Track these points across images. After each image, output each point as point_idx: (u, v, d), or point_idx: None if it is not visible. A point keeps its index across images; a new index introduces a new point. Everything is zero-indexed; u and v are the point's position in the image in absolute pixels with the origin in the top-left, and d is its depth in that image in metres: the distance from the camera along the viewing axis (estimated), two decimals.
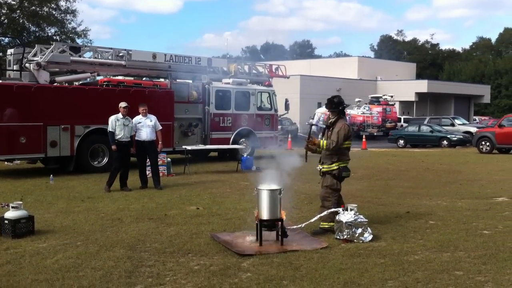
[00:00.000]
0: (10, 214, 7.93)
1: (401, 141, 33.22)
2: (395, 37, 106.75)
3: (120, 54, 18.28)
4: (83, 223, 8.95)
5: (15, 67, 16.99)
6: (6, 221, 7.89)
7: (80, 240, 7.74)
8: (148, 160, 13.66)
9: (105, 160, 16.57)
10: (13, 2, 43.93)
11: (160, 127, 13.66)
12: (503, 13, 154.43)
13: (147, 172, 13.66)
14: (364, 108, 44.76)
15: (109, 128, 12.94)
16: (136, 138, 13.27)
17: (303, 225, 8.11)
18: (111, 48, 18.40)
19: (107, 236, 8.03)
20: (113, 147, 12.95)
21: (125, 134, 12.92)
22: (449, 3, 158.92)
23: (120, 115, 12.96)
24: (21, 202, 8.34)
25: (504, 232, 8.38)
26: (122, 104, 13.08)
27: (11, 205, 8.13)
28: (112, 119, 12.94)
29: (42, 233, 8.14)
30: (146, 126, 13.27)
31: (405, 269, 6.33)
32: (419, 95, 55.66)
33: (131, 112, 13.42)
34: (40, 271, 6.24)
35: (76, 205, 10.76)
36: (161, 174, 14.90)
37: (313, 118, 44.39)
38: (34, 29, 46.24)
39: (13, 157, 16.10)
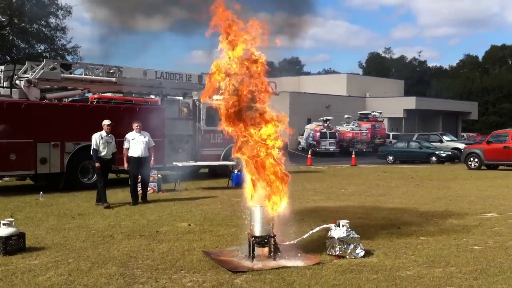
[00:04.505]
0: (1, 231, 7.88)
1: (390, 157, 33.37)
2: (383, 55, 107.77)
3: (111, 71, 18.30)
4: (74, 240, 8.91)
5: (5, 84, 16.94)
6: None
7: (71, 257, 7.70)
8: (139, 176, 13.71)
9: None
10: (2, 19, 43.92)
11: (153, 144, 13.78)
12: (487, 31, 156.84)
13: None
14: (353, 125, 45.06)
15: (93, 146, 12.98)
16: (129, 154, 13.31)
17: (295, 241, 8.13)
18: (102, 65, 18.42)
19: (98, 253, 8.00)
20: (97, 164, 13.02)
21: (108, 152, 13.02)
22: (433, 22, 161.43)
23: (104, 133, 13.04)
24: (12, 219, 8.29)
25: (495, 247, 8.44)
26: (106, 122, 13.16)
27: (2, 222, 8.07)
28: (96, 136, 12.98)
29: (34, 250, 8.09)
30: (140, 142, 13.34)
31: (397, 285, 6.36)
32: (407, 111, 56.05)
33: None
34: None
35: (66, 222, 10.71)
36: (151, 191, 14.94)
37: (302, 135, 44.64)
38: (23, 46, 46.21)
39: (2, 174, 16.01)
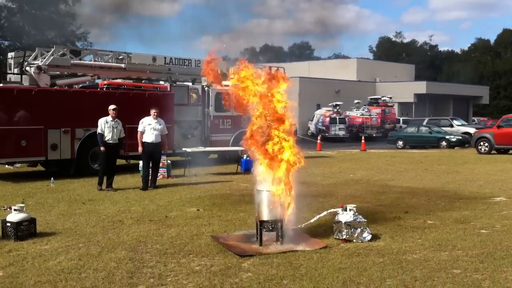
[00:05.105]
0: (13, 216, 7.99)
1: (400, 142, 33.28)
2: (394, 39, 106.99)
3: (120, 57, 18.36)
4: (85, 225, 9.02)
5: (15, 71, 17.06)
6: (8, 224, 7.96)
7: (82, 242, 7.81)
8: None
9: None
10: (13, 6, 44.06)
11: (167, 132, 14.22)
12: (499, 14, 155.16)
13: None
14: (363, 110, 44.91)
15: (98, 130, 13.25)
16: (143, 139, 13.53)
17: (302, 225, 8.19)
18: (111, 51, 18.48)
19: (108, 238, 8.11)
20: (102, 148, 13.25)
21: (113, 136, 13.23)
22: (445, 5, 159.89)
23: (109, 117, 13.26)
24: (23, 205, 8.40)
25: (502, 231, 8.46)
26: (111, 107, 13.40)
27: (13, 207, 8.19)
28: (101, 121, 13.23)
29: (44, 235, 8.21)
30: (155, 129, 13.59)
31: (403, 268, 6.42)
32: (418, 96, 55.76)
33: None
34: (43, 273, 6.31)
35: (77, 207, 10.84)
36: (161, 176, 15.07)
37: (312, 120, 44.58)
38: (33, 32, 46.37)
39: (14, 160, 16.17)
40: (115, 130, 13.22)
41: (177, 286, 5.90)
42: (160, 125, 13.72)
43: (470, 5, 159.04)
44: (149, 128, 13.57)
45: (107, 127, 13.16)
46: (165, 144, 14.18)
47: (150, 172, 13.75)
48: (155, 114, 13.72)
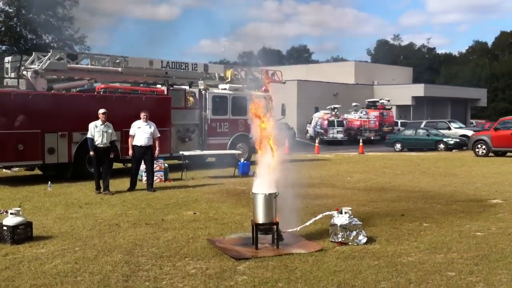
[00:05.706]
0: (9, 220, 8.00)
1: (398, 145, 33.34)
2: (392, 42, 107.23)
3: (117, 61, 18.40)
4: (81, 229, 9.03)
5: (12, 75, 17.08)
6: (4, 228, 7.96)
7: (78, 246, 7.82)
8: (143, 164, 13.98)
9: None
10: (10, 10, 44.08)
11: (159, 135, 14.07)
12: (497, 17, 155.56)
13: (142, 178, 13.94)
14: (361, 113, 44.97)
15: (88, 134, 13.29)
16: (134, 142, 13.59)
17: (298, 228, 8.20)
18: (108, 55, 18.53)
19: (104, 241, 8.11)
20: (91, 153, 13.30)
21: (103, 140, 13.23)
22: (443, 8, 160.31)
23: (99, 122, 13.26)
24: (19, 209, 8.41)
25: (497, 233, 8.48)
26: (101, 111, 13.43)
27: (9, 211, 8.20)
28: (91, 125, 13.28)
29: (41, 239, 8.21)
30: (145, 132, 13.57)
31: (398, 271, 6.43)
32: (416, 99, 55.83)
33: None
34: (38, 276, 6.32)
35: (74, 211, 10.84)
36: (158, 180, 15.09)
37: (310, 123, 44.63)
38: (31, 36, 46.37)
39: (11, 164, 16.18)
40: (105, 134, 13.21)
41: None
42: (150, 128, 13.69)
43: (467, 8, 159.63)
44: (139, 131, 13.59)
45: (96, 131, 13.18)
46: (156, 147, 14.01)
47: (144, 174, 13.85)
48: (145, 117, 13.72)
